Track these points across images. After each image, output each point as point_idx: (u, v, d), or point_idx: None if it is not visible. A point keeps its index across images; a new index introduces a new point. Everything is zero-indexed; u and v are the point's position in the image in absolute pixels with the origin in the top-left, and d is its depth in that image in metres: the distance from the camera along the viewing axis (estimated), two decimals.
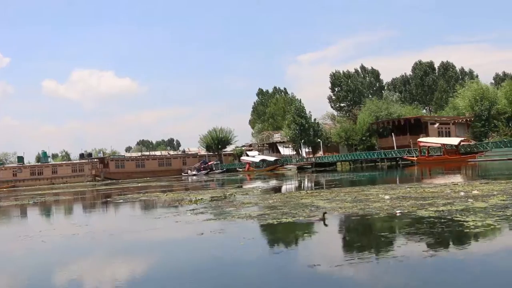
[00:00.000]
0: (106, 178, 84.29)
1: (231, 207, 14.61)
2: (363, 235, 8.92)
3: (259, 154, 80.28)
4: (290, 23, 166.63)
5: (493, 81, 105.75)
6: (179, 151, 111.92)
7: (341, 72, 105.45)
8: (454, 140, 50.88)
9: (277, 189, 25.37)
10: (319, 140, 72.55)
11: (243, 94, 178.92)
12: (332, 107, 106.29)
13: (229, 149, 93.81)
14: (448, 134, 63.56)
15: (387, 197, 13.73)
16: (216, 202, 16.92)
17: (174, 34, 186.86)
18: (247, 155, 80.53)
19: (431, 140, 53.84)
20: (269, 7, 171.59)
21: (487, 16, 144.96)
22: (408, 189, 16.62)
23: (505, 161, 42.12)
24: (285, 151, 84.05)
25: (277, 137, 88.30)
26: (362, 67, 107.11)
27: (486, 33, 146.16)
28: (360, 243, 8.11)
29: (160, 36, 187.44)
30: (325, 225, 9.66)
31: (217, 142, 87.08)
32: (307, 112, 74.75)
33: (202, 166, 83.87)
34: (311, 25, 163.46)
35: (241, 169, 76.47)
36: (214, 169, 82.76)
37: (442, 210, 10.14)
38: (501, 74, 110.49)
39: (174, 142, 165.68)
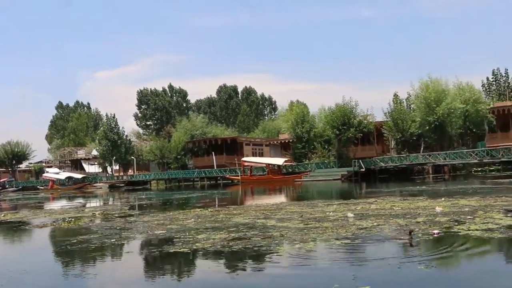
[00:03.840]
0: None
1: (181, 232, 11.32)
2: None
3: (64, 171, 72.91)
4: (87, 39, 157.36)
5: (288, 108, 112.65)
6: None
7: (149, 89, 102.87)
8: (279, 160, 51.85)
9: (142, 207, 21.71)
10: (132, 157, 68.56)
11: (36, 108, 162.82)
12: (138, 124, 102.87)
13: (23, 165, 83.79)
14: (262, 155, 65.15)
15: (350, 215, 11.87)
16: (113, 225, 13.27)
17: None
18: (48, 172, 72.63)
19: (256, 160, 54.28)
20: (62, 22, 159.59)
21: (281, 50, 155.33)
22: (335, 206, 15.00)
23: (329, 181, 43.86)
24: (91, 168, 77.99)
25: (81, 153, 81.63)
26: (170, 87, 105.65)
27: (280, 65, 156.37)
28: None
29: None
30: (411, 245, 7.47)
31: (11, 157, 76.85)
32: (120, 128, 70.29)
33: None
34: (109, 43, 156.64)
35: (42, 187, 68.41)
36: (7, 186, 72.74)
37: (487, 229, 8.57)
38: (295, 102, 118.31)
39: None
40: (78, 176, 68.51)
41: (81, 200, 34.86)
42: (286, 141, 63.00)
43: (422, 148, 47.69)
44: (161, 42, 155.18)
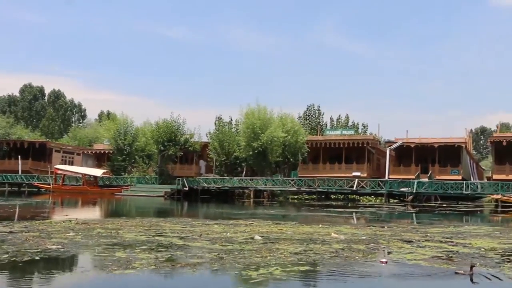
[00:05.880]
0: None
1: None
2: None
3: None
4: None
5: (97, 117, 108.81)
6: None
7: None
8: (97, 172, 48.88)
9: None
10: None
11: None
12: None
13: None
14: (72, 164, 61.14)
15: (258, 237, 11.29)
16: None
17: None
18: None
19: (71, 169, 50.56)
20: None
21: (97, 57, 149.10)
22: (217, 226, 14.28)
23: (152, 198, 42.61)
24: None
25: None
26: None
27: (93, 73, 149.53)
28: None
29: None
30: (473, 282, 6.86)
31: None
32: None
33: None
34: None
35: None
36: None
37: (423, 259, 8.67)
38: (106, 112, 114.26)
39: None
40: None
41: None
42: (102, 151, 60.05)
43: (244, 172, 49.07)
44: None
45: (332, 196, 45.10)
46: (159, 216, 19.89)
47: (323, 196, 43.82)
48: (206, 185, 46.58)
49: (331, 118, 70.51)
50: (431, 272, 7.42)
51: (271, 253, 8.87)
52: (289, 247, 9.79)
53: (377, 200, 42.79)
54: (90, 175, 48.76)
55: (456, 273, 7.29)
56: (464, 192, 39.42)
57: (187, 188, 45.22)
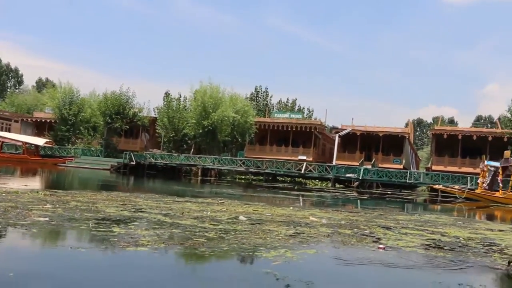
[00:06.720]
0: None
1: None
2: None
3: None
4: None
5: (35, 84, 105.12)
6: None
7: None
8: (39, 141, 47.11)
9: None
10: None
11: None
12: None
13: None
14: (9, 131, 58.74)
15: (242, 218, 11.24)
16: None
17: None
18: None
19: (11, 136, 48.46)
20: None
21: (35, 20, 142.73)
22: (190, 204, 14.12)
23: (97, 170, 41.65)
24: None
25: None
26: None
27: (31, 37, 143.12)
28: None
29: None
30: (510, 276, 6.72)
31: None
32: None
33: None
34: None
35: None
36: None
37: (417, 245, 8.91)
38: (44, 80, 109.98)
39: None
40: None
41: None
42: (43, 120, 57.90)
43: (192, 150, 48.67)
44: None
45: (279, 178, 45.51)
46: (111, 190, 19.26)
47: (270, 178, 44.18)
48: (153, 160, 45.93)
49: (279, 101, 70.91)
50: (463, 263, 7.47)
51: (267, 235, 8.86)
52: (280, 229, 9.80)
53: (323, 185, 43.51)
54: (31, 144, 47.02)
55: (494, 268, 7.18)
56: (408, 181, 40.83)
57: (134, 163, 44.44)
